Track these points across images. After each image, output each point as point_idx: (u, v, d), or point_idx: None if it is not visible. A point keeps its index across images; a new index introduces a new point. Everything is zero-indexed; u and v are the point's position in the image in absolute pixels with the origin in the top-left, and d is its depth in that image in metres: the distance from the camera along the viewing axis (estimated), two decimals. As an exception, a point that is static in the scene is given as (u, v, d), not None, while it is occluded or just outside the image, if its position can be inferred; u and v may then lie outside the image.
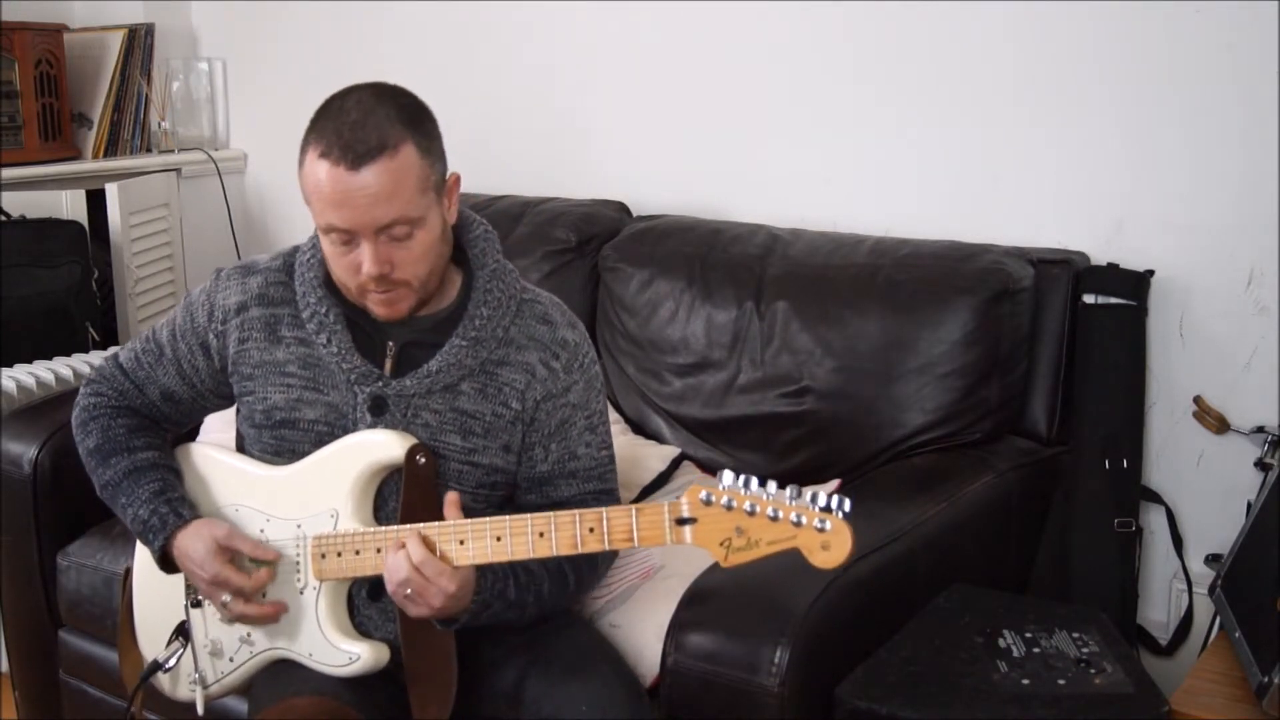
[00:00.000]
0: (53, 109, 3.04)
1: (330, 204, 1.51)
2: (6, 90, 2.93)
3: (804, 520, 1.38)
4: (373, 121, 1.51)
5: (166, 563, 1.65)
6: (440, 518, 1.56)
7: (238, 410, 1.73)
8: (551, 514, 1.50)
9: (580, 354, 1.69)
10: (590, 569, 1.70)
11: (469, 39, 2.94)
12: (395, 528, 1.56)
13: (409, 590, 1.50)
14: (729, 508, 1.40)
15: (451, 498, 1.54)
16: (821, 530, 1.37)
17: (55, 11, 3.22)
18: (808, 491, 1.39)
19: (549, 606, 1.66)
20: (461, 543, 1.52)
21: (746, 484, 1.40)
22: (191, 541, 1.62)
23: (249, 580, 1.60)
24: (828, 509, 1.37)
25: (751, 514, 1.39)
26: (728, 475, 1.41)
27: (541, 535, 1.49)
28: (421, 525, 1.54)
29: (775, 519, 1.39)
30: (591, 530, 1.47)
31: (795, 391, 2.21)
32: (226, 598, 1.61)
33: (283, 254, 1.72)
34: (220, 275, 1.72)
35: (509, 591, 1.58)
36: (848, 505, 1.37)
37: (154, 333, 1.76)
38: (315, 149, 1.53)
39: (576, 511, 1.48)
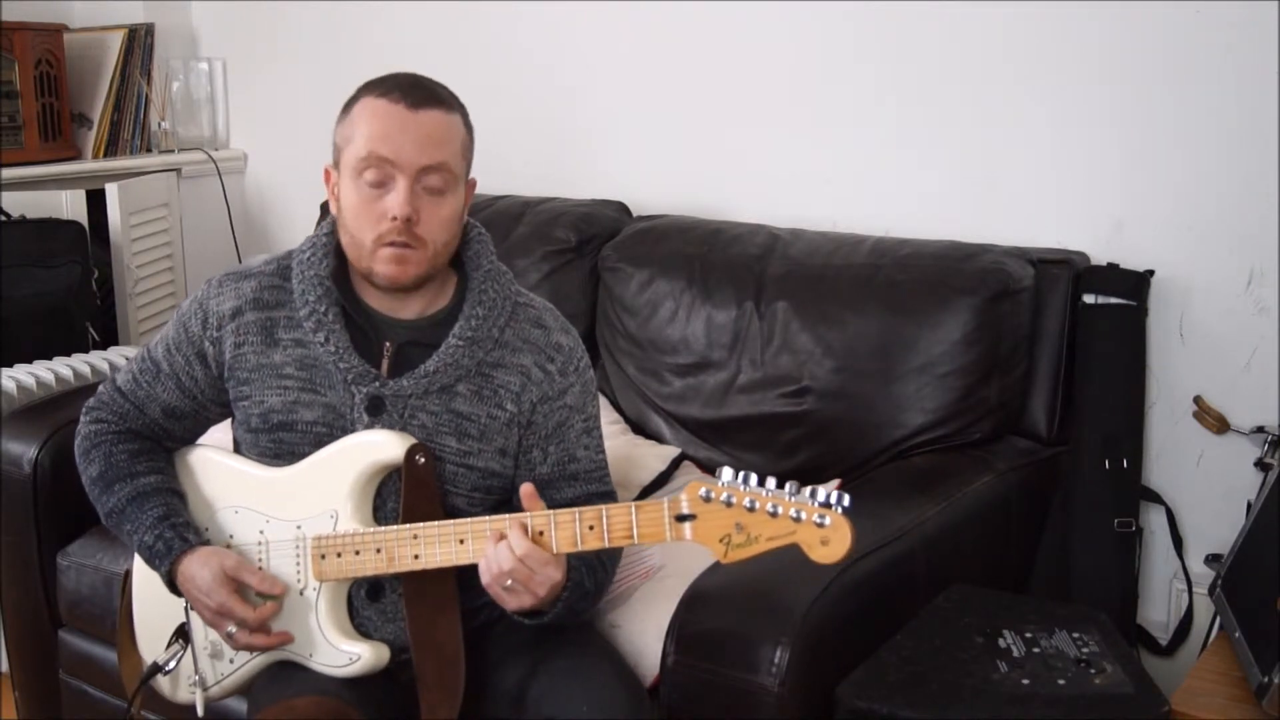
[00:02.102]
0: (53, 109, 3.04)
1: (380, 135, 1.56)
2: (6, 90, 2.93)
3: (803, 516, 1.38)
4: (429, 83, 1.61)
5: (173, 587, 1.65)
6: (441, 517, 1.56)
7: (234, 416, 1.73)
8: (551, 512, 1.50)
9: (575, 358, 1.69)
10: (618, 559, 1.72)
11: (469, 39, 2.94)
12: (396, 527, 1.56)
13: (510, 581, 1.49)
14: (728, 504, 1.41)
15: (528, 489, 1.53)
16: (821, 525, 1.38)
17: (55, 11, 3.22)
18: (807, 488, 1.39)
19: (600, 598, 1.68)
20: (461, 542, 1.53)
21: (745, 480, 1.41)
22: (198, 569, 1.61)
23: (254, 614, 1.60)
24: (827, 504, 1.38)
25: (751, 510, 1.40)
26: (727, 472, 1.42)
27: (541, 534, 1.49)
28: (420, 525, 1.54)
29: (775, 515, 1.39)
30: (591, 528, 1.48)
31: (795, 391, 2.21)
32: (232, 628, 1.61)
33: (275, 258, 1.72)
34: (211, 283, 1.71)
35: (586, 581, 1.60)
36: (846, 500, 1.38)
37: (149, 351, 1.75)
38: (371, 94, 1.60)
39: (576, 509, 1.49)
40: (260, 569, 1.63)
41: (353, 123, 1.60)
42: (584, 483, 1.68)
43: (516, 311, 1.68)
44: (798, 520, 1.38)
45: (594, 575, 1.63)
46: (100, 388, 1.80)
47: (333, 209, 1.66)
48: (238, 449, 1.74)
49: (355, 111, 1.60)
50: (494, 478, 1.66)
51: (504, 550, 1.49)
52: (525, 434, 1.66)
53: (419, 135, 1.56)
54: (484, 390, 1.64)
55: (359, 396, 1.62)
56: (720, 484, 1.41)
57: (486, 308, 1.64)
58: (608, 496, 1.71)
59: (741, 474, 1.41)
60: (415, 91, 1.58)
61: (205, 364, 1.70)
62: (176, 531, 1.64)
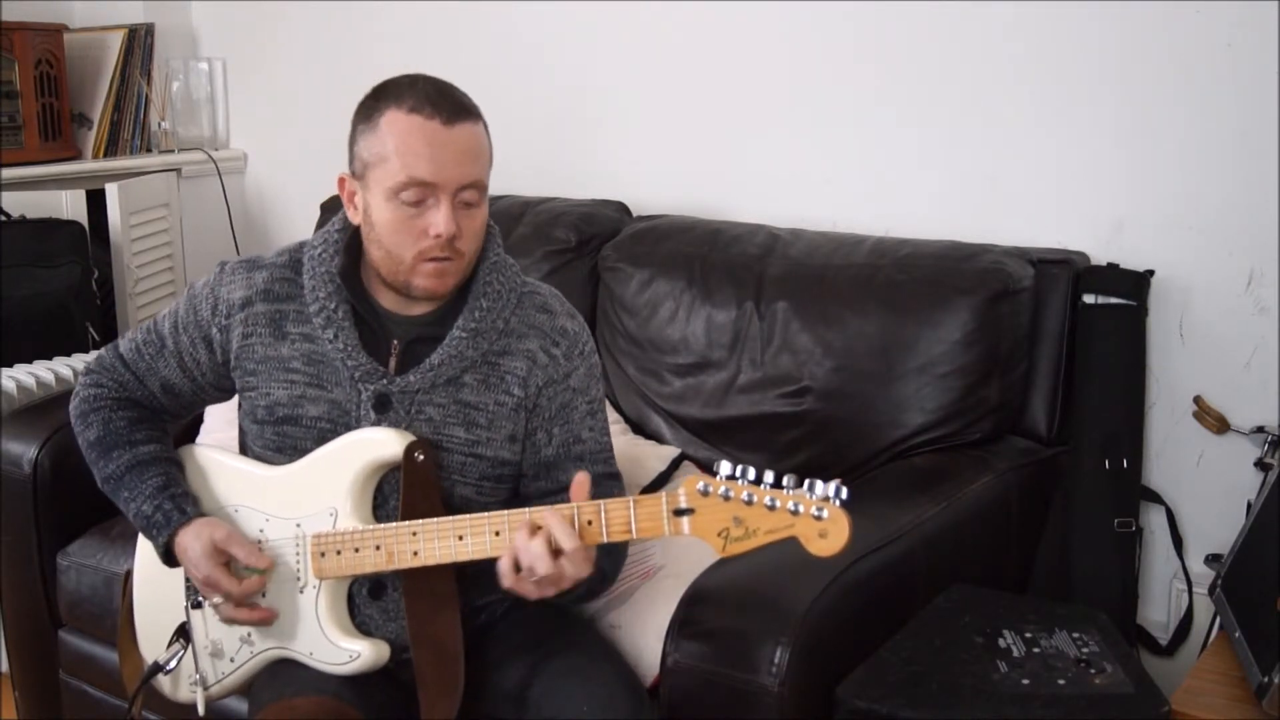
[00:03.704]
0: (53, 109, 3.04)
1: (421, 156, 1.54)
2: (6, 90, 2.93)
3: (801, 508, 1.38)
4: (453, 92, 1.59)
5: (170, 558, 1.66)
6: (441, 514, 1.56)
7: (240, 405, 1.73)
8: (549, 508, 1.49)
9: (580, 342, 1.70)
10: (625, 547, 1.72)
11: (469, 39, 2.94)
12: (395, 524, 1.56)
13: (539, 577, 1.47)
14: (726, 498, 1.41)
15: (581, 479, 1.50)
16: (819, 518, 1.38)
17: (55, 11, 3.22)
18: (805, 480, 1.39)
19: (608, 586, 1.70)
20: (460, 538, 1.52)
21: (743, 474, 1.41)
22: (191, 541, 1.62)
23: (238, 587, 1.60)
24: (825, 497, 1.38)
25: (749, 503, 1.40)
26: (725, 466, 1.42)
27: (539, 529, 1.49)
28: (417, 522, 1.54)
29: (772, 508, 1.39)
30: (590, 523, 1.47)
31: (795, 391, 2.21)
32: (218, 599, 1.62)
33: (288, 250, 1.72)
34: (225, 269, 1.72)
35: (607, 569, 1.62)
36: (844, 493, 1.38)
37: (155, 324, 1.75)
38: (400, 108, 1.56)
39: (574, 504, 1.48)
40: (249, 541, 1.64)
41: (381, 140, 1.56)
42: (589, 464, 1.67)
43: (522, 300, 1.68)
44: (795, 513, 1.38)
45: (614, 563, 1.66)
46: (102, 351, 1.80)
47: (353, 218, 1.64)
48: (243, 438, 1.74)
49: (383, 127, 1.56)
50: (504, 466, 1.66)
51: (539, 548, 1.46)
52: (530, 417, 1.66)
53: (456, 153, 1.55)
54: (490, 378, 1.64)
55: (365, 394, 1.62)
56: (718, 478, 1.41)
57: (491, 299, 1.64)
58: (614, 478, 1.71)
59: (739, 467, 1.41)
60: (444, 104, 1.55)
61: (210, 349, 1.70)
62: (175, 503, 1.65)
